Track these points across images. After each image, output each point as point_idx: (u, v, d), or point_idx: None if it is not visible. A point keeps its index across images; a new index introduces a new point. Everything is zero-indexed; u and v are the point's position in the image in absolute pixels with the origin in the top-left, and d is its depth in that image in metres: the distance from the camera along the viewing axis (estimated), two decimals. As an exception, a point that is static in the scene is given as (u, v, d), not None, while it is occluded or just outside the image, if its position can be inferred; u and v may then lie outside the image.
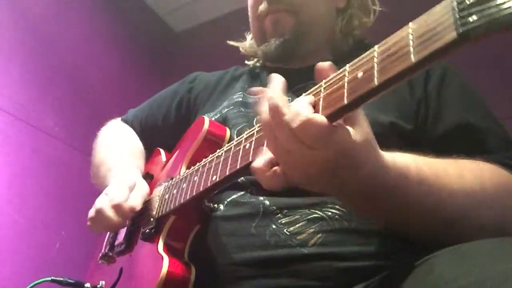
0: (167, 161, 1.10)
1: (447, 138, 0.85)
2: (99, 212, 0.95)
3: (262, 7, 1.07)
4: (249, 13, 1.15)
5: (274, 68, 1.14)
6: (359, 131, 0.57)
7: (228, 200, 0.88)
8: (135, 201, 0.95)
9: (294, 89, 0.97)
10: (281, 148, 0.58)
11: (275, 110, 0.57)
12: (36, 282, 1.09)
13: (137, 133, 1.29)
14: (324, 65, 0.59)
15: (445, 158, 0.73)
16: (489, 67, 1.79)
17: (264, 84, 1.10)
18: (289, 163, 0.60)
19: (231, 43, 1.23)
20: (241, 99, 1.08)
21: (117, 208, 0.93)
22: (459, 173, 0.71)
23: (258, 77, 1.17)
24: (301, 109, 0.55)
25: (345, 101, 0.52)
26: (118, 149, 1.21)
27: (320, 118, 0.54)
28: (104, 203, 0.95)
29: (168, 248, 0.85)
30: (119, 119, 1.36)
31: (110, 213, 0.92)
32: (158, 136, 1.25)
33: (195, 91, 1.25)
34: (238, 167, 0.70)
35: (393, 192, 0.64)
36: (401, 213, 0.68)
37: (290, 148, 0.57)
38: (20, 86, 2.07)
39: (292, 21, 1.05)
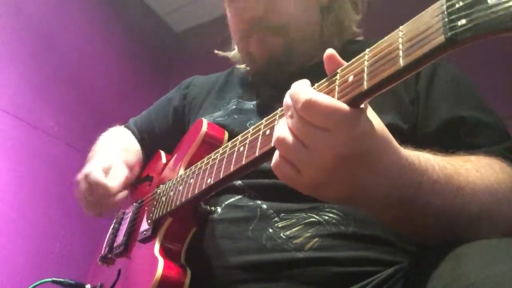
0: (166, 163, 1.10)
1: (439, 134, 0.83)
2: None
3: (245, 28, 1.02)
4: (231, 32, 1.10)
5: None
6: (372, 118, 0.54)
7: (226, 203, 0.88)
8: (112, 182, 1.03)
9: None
10: (296, 145, 0.54)
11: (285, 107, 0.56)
12: (37, 282, 1.10)
13: (137, 139, 1.30)
14: (330, 52, 0.56)
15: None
16: (489, 66, 1.79)
17: (259, 90, 1.10)
18: (304, 160, 0.54)
19: (219, 53, 1.21)
20: (235, 106, 1.07)
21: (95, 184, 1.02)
22: (476, 168, 0.68)
23: (254, 83, 1.15)
24: (301, 92, 0.53)
25: None
26: (107, 144, 1.23)
27: (324, 96, 0.51)
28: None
29: (164, 251, 0.85)
30: (121, 127, 1.37)
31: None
32: (157, 142, 1.26)
33: (189, 96, 1.25)
34: (232, 169, 0.70)
35: (420, 190, 0.59)
36: (430, 216, 0.62)
37: (303, 136, 0.53)
38: (20, 86, 2.07)
39: (280, 41, 0.99)
